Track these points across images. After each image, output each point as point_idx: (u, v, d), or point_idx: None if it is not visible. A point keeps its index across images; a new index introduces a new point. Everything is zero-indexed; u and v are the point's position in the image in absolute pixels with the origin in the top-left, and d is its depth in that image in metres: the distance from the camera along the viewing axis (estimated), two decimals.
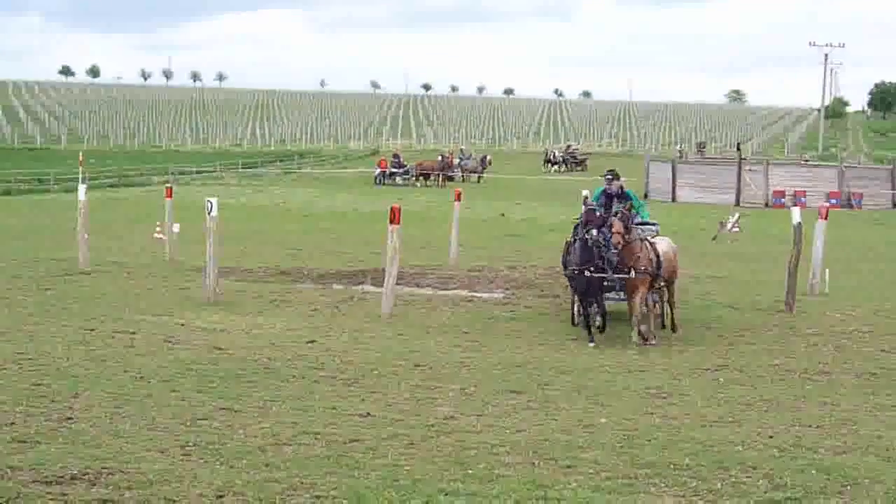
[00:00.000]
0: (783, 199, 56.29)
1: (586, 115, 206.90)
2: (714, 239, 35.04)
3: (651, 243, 17.92)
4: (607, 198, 18.75)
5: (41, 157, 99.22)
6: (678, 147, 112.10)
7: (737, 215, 38.06)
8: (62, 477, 9.39)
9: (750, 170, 60.42)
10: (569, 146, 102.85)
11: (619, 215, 17.56)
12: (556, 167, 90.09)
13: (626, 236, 17.20)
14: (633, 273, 17.13)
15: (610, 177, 19.07)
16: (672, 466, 10.12)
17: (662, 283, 18.29)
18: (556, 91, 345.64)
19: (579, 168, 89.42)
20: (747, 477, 9.88)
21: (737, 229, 36.59)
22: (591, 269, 16.99)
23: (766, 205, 57.25)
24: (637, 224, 18.54)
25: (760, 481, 9.75)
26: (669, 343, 17.15)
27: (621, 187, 18.90)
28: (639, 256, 17.28)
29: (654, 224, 20.17)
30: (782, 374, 14.90)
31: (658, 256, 17.64)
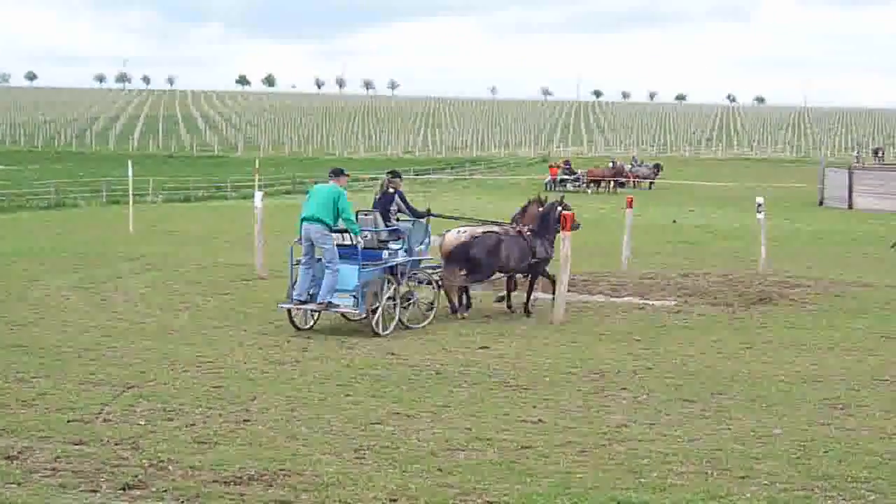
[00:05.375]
0: None
1: (759, 121, 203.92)
2: (893, 246, 34.17)
3: None
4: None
5: (218, 164, 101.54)
6: (855, 153, 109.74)
7: None
8: (240, 477, 9.59)
9: None
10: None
11: None
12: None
13: None
14: None
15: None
16: (850, 479, 9.90)
17: None
18: (728, 97, 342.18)
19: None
20: None
21: None
22: None
23: None
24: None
25: None
26: (847, 353, 16.75)
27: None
28: None
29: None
30: None
31: None
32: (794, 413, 12.65)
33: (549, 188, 70.33)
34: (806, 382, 14.43)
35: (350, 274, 17.96)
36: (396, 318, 18.35)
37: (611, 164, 75.28)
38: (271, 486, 9.42)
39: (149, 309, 19.89)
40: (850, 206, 58.94)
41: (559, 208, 20.72)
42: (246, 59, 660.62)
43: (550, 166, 76.60)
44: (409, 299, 19.18)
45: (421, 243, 19.85)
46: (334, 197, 18.03)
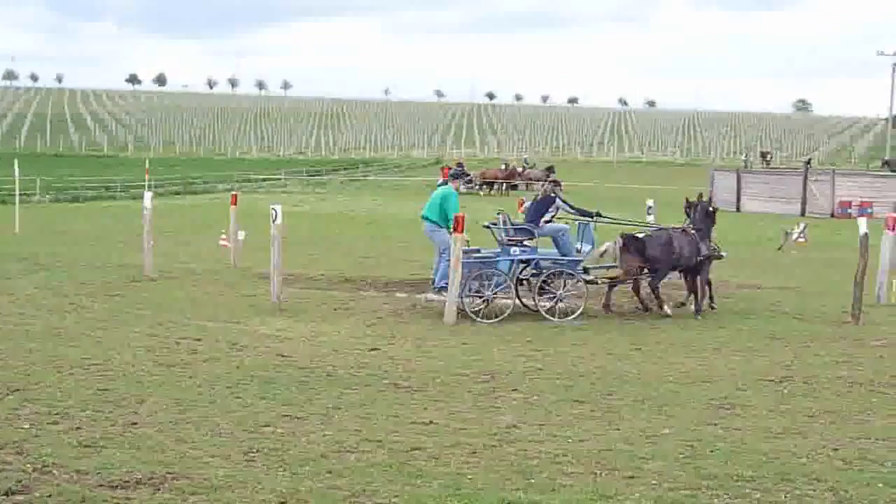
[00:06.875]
0: (849, 210, 55.70)
1: (650, 124, 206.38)
2: (780, 249, 34.75)
3: None
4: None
5: (108, 164, 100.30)
6: (743, 157, 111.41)
7: (803, 225, 37.72)
8: (127, 481, 9.47)
9: (816, 180, 59.90)
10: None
11: None
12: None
13: None
14: None
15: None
16: (735, 478, 10.05)
17: None
18: (620, 100, 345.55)
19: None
20: (811, 489, 9.79)
21: (803, 239, 36.27)
22: None
23: (832, 215, 56.63)
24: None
25: (825, 494, 9.66)
26: (734, 353, 16.99)
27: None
28: None
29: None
30: (848, 385, 14.70)
31: None
32: (682, 413, 12.81)
33: None
34: (694, 383, 14.61)
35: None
36: (511, 307, 20.09)
37: (503, 166, 75.60)
38: (159, 489, 9.32)
39: (35, 310, 19.56)
40: (738, 209, 59.87)
41: (708, 205, 22.29)
42: (138, 58, 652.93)
43: (442, 168, 76.70)
44: (550, 294, 20.44)
45: (580, 243, 21.25)
46: (443, 197, 20.74)
